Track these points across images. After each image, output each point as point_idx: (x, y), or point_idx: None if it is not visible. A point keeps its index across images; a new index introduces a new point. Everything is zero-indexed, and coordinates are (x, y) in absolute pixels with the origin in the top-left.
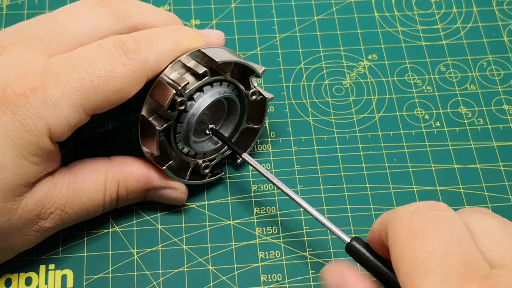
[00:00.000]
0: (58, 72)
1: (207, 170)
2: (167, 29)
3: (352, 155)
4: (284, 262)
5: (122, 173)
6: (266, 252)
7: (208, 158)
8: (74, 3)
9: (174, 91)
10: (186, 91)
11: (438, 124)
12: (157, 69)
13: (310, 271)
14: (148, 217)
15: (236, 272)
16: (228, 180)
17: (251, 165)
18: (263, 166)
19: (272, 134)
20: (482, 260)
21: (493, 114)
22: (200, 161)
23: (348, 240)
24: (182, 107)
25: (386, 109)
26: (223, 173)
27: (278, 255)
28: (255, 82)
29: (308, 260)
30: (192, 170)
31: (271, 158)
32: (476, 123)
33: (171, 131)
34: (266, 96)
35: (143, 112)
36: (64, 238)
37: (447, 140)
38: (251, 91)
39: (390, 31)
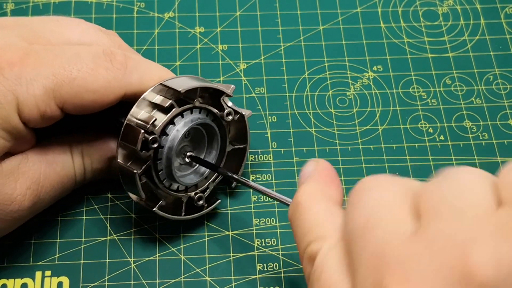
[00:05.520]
0: (40, 55)
1: (201, 202)
2: (156, 64)
3: (354, 168)
4: (282, 274)
5: (85, 143)
6: (265, 264)
7: (200, 189)
8: (81, 20)
9: (142, 131)
10: (156, 128)
11: (442, 138)
12: (136, 90)
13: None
14: (146, 226)
15: (233, 284)
16: (228, 190)
17: (230, 178)
18: (264, 176)
19: (274, 144)
20: None
21: (498, 129)
22: (192, 194)
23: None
24: (155, 145)
25: (390, 122)
26: (219, 200)
27: (276, 267)
28: (228, 101)
29: None
30: (187, 205)
31: (272, 169)
32: (481, 138)
33: (153, 171)
34: (243, 113)
35: (119, 160)
36: (61, 244)
37: (451, 155)
38: (226, 111)
39: (396, 42)
